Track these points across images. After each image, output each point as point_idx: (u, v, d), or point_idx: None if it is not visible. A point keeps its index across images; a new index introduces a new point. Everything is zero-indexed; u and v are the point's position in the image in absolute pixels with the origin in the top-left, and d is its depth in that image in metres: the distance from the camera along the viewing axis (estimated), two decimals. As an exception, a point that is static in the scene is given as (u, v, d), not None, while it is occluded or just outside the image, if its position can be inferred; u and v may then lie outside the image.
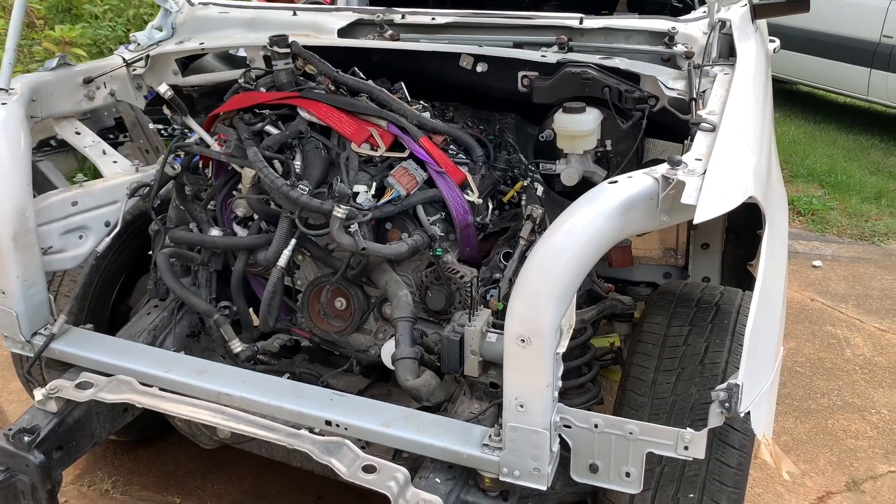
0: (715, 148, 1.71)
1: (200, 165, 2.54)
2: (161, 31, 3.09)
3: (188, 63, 3.09)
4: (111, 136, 3.49)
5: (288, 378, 2.50)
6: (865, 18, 7.62)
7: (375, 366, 2.48)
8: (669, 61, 2.57)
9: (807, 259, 5.11)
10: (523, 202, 2.47)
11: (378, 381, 2.54)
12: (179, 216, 2.60)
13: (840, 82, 8.13)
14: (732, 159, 1.71)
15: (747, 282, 2.72)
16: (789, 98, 9.35)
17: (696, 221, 1.53)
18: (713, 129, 1.85)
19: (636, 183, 1.69)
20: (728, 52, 2.55)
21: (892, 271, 5.03)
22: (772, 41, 3.47)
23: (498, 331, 2.05)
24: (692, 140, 1.89)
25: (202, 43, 2.83)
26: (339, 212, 2.07)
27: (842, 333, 4.21)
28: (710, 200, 1.54)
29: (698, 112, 1.98)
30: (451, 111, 2.85)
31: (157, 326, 2.48)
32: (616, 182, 1.71)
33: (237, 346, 2.36)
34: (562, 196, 2.62)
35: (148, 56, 2.87)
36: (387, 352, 2.31)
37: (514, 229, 2.68)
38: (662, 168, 1.69)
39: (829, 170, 6.77)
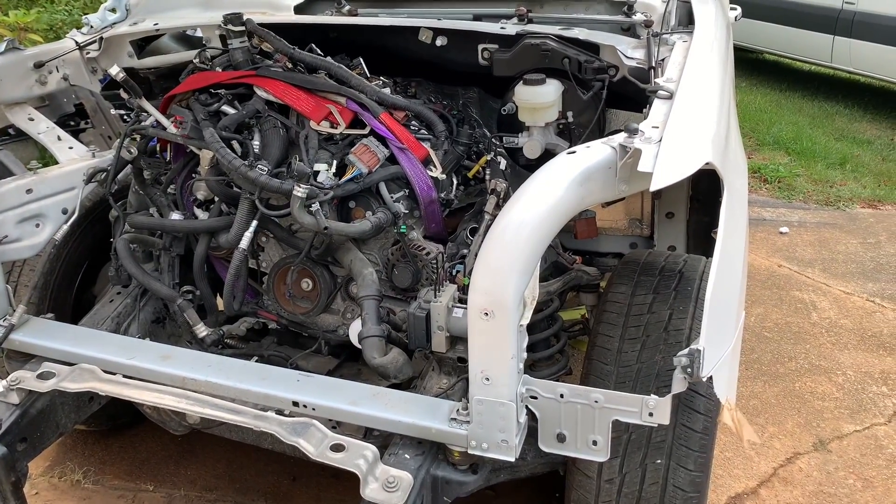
0: (671, 115, 1.71)
1: (158, 149, 2.49)
2: (115, 12, 3.03)
3: (144, 45, 3.03)
4: (72, 123, 3.43)
5: (256, 361, 2.51)
6: (828, -14, 7.68)
7: (345, 346, 2.47)
8: (629, 31, 2.57)
9: (774, 226, 5.17)
10: (488, 177, 2.46)
11: (347, 361, 2.53)
12: (139, 201, 2.56)
13: (804, 50, 8.20)
14: (689, 126, 1.72)
15: (713, 249, 2.76)
16: (755, 67, 9.42)
17: (651, 189, 1.53)
18: (670, 96, 1.85)
19: (594, 152, 1.69)
20: (687, 20, 2.55)
21: (857, 235, 5.10)
22: (733, 9, 3.48)
23: (464, 306, 2.04)
24: (650, 108, 1.89)
25: (156, 24, 2.77)
26: (300, 191, 2.04)
27: (808, 298, 4.28)
28: (667, 167, 1.55)
29: (655, 80, 1.98)
30: (413, 87, 2.82)
31: (120, 314, 2.44)
32: (574, 152, 1.70)
33: (202, 330, 2.33)
34: (525, 169, 2.61)
35: (101, 38, 2.81)
36: (354, 331, 2.30)
37: (479, 204, 2.67)
38: (620, 137, 1.69)
39: (795, 137, 6.83)
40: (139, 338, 2.42)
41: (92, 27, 2.96)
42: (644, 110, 2.02)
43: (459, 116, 2.74)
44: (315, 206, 2.09)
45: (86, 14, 5.63)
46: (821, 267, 4.65)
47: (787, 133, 6.94)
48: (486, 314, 1.67)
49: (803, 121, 7.44)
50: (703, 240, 2.85)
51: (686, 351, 1.58)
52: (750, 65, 9.24)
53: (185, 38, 3.13)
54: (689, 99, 1.81)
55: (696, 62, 2.02)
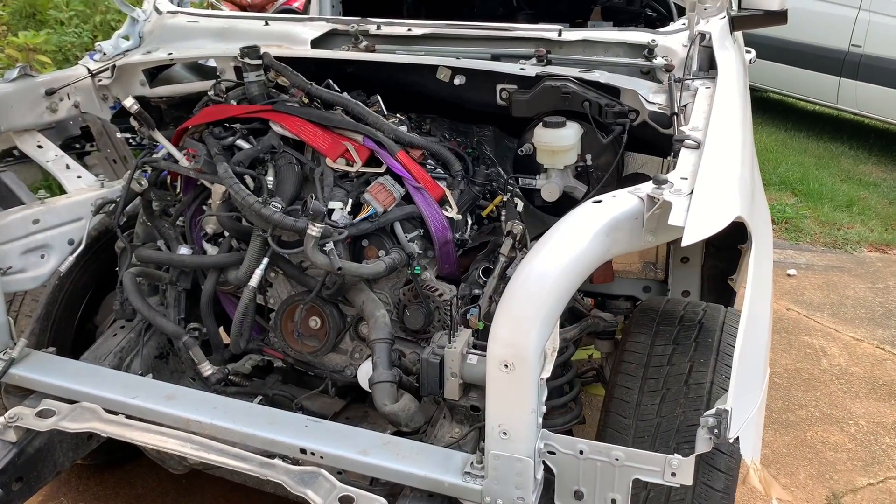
0: (701, 166, 1.66)
1: (169, 181, 2.45)
2: (128, 39, 3.00)
3: (156, 73, 3.00)
4: (77, 146, 3.38)
5: (260, 400, 2.44)
6: (834, 28, 7.71)
7: (351, 387, 2.41)
8: (649, 74, 2.54)
9: (781, 268, 5.13)
10: (503, 217, 2.42)
11: (354, 403, 2.47)
12: (147, 233, 2.51)
13: (810, 90, 8.22)
14: (719, 178, 1.67)
15: (727, 296, 2.71)
16: (760, 105, 9.43)
17: (684, 244, 1.48)
18: (698, 145, 1.81)
19: (621, 202, 1.64)
20: (708, 65, 2.52)
21: (865, 280, 5.06)
22: (748, 51, 3.47)
23: (479, 352, 1.99)
24: (676, 157, 1.85)
25: (170, 53, 2.74)
26: (314, 230, 2.00)
27: (818, 343, 4.22)
28: (699, 222, 1.50)
29: (681, 128, 1.95)
30: (428, 124, 2.79)
31: (123, 349, 2.38)
32: (600, 201, 1.66)
33: (207, 369, 2.27)
34: (541, 211, 2.57)
35: (114, 66, 2.78)
36: (363, 374, 2.24)
37: (493, 244, 2.63)
38: (647, 187, 1.65)
39: (802, 178, 6.82)
40: (142, 374, 2.36)
41: (104, 54, 2.93)
42: (669, 158, 1.98)
43: (474, 155, 2.70)
44: (329, 246, 2.04)
45: (96, 37, 5.64)
46: (829, 311, 4.60)
47: (793, 174, 6.92)
48: (506, 366, 1.61)
49: (809, 161, 7.43)
50: (717, 285, 2.79)
51: (713, 411, 1.53)
52: (754, 103, 9.23)
53: (198, 68, 3.10)
54: (716, 149, 1.78)
55: (722, 110, 1.99)
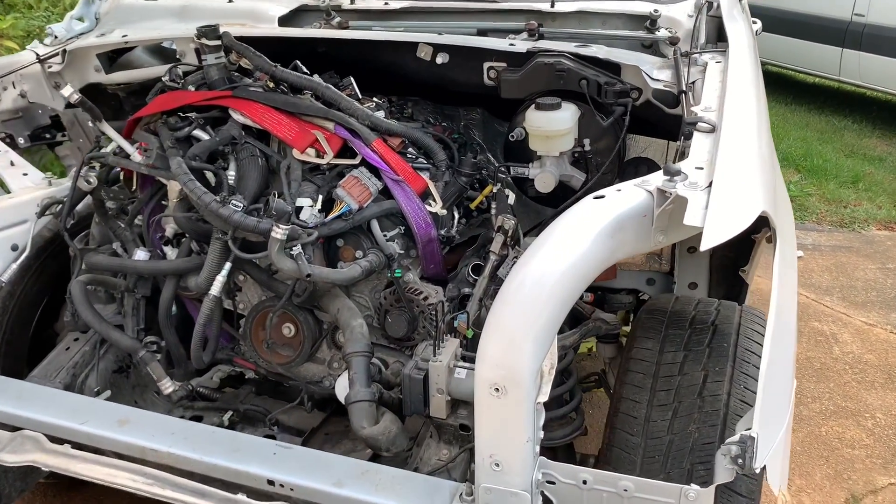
0: (718, 154, 1.43)
1: (122, 177, 2.21)
2: (83, 21, 2.76)
3: (116, 57, 2.75)
4: (48, 136, 3.13)
5: (231, 416, 2.24)
6: (837, -4, 7.45)
7: (332, 397, 2.19)
8: (651, 48, 2.31)
9: (787, 249, 4.90)
10: (493, 209, 2.19)
11: (335, 416, 2.25)
12: (103, 235, 2.28)
13: (811, 62, 7.95)
14: (739, 167, 1.45)
15: (738, 288, 2.49)
16: (759, 79, 9.17)
17: (702, 248, 1.26)
18: (713, 129, 1.58)
19: (627, 198, 1.42)
20: (716, 37, 2.29)
21: (875, 260, 4.85)
22: (754, 22, 3.23)
23: (468, 364, 1.78)
24: (685, 140, 1.63)
25: (125, 35, 2.49)
26: (279, 232, 1.77)
27: (829, 329, 4.01)
28: (719, 222, 1.28)
29: (691, 108, 1.71)
30: (410, 107, 2.56)
31: (77, 363, 2.16)
32: (602, 197, 1.44)
33: (168, 386, 2.05)
34: (535, 202, 2.34)
35: (64, 51, 2.53)
36: (341, 387, 2.02)
37: (483, 238, 2.41)
38: (657, 179, 1.43)
39: (805, 154, 6.58)
40: (97, 391, 2.14)
41: (56, 38, 2.68)
42: (679, 142, 1.75)
43: (461, 140, 2.47)
44: (297, 250, 1.81)
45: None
46: (839, 295, 4.38)
47: (795, 149, 6.69)
48: (497, 390, 1.40)
49: (811, 136, 7.19)
50: (727, 277, 2.58)
51: (737, 438, 1.32)
52: (754, 77, 8.99)
53: (161, 51, 2.86)
54: (734, 133, 1.55)
55: (736, 88, 1.76)
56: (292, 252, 1.81)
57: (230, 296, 2.20)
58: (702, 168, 1.43)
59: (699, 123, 1.59)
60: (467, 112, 2.58)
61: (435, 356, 1.77)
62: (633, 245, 1.45)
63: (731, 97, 1.68)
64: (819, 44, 7.70)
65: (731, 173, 1.39)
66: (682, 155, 1.68)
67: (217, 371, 2.28)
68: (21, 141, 2.69)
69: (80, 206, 2.20)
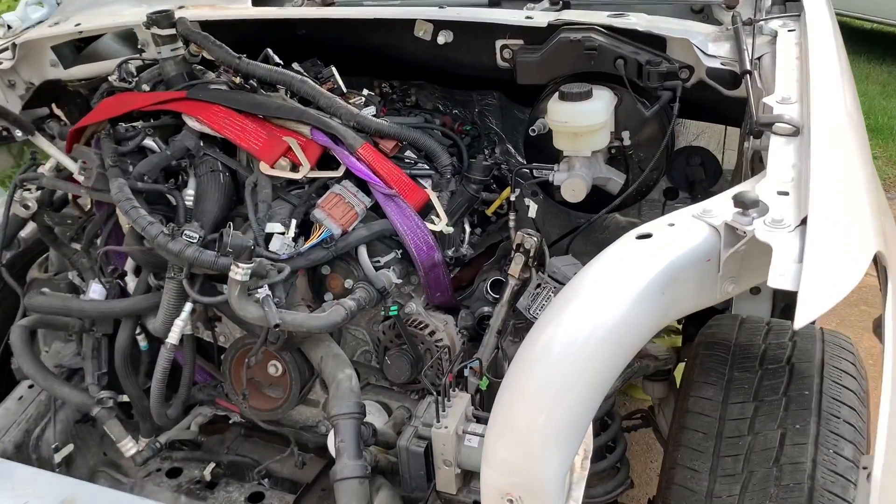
0: (811, 173, 1.02)
1: (71, 197, 1.87)
2: (42, 7, 2.41)
3: (83, 47, 2.41)
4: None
5: (214, 468, 1.92)
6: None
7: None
8: (702, 13, 1.88)
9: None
10: (511, 221, 1.81)
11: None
12: (62, 262, 1.96)
13: (869, 7, 7.28)
14: (840, 195, 1.04)
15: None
16: (812, 29, 8.50)
17: (797, 325, 0.86)
18: (796, 132, 1.16)
19: (683, 237, 1.03)
20: (783, -2, 1.85)
21: (954, 232, 4.33)
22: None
23: (481, 429, 1.43)
24: (754, 139, 1.22)
25: (79, 24, 2.13)
26: (238, 272, 1.41)
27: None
28: (821, 285, 0.88)
29: (763, 99, 1.30)
30: (414, 93, 2.17)
31: (31, 416, 1.86)
32: (648, 236, 1.04)
33: (130, 447, 1.73)
34: (564, 206, 1.93)
35: (14, 45, 2.19)
36: (333, 443, 1.68)
37: (504, 249, 2.04)
38: (724, 208, 1.03)
39: (867, 110, 5.99)
40: (56, 447, 1.83)
41: (10, 28, 2.34)
42: (746, 143, 1.34)
43: (473, 133, 2.08)
44: (263, 291, 1.45)
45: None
46: (915, 274, 3.89)
47: (856, 106, 6.11)
48: (511, 501, 1.04)
49: (873, 90, 6.59)
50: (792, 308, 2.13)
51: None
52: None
53: (133, 39, 2.50)
54: (826, 140, 1.13)
55: (821, 71, 1.33)
56: (258, 294, 1.46)
57: (209, 326, 1.87)
58: (786, 193, 1.02)
59: (777, 124, 1.17)
60: (482, 97, 2.18)
61: (439, 420, 1.41)
62: (692, 300, 1.06)
63: (818, 84, 1.26)
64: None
65: (831, 204, 0.98)
66: (751, 165, 1.28)
67: (197, 415, 1.95)
68: None
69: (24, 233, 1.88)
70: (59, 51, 2.26)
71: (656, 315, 1.02)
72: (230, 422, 2.01)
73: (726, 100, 1.67)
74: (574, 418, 1.02)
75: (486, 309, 1.89)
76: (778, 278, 0.88)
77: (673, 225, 1.05)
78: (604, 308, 1.00)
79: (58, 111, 2.44)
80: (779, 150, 1.12)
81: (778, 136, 1.16)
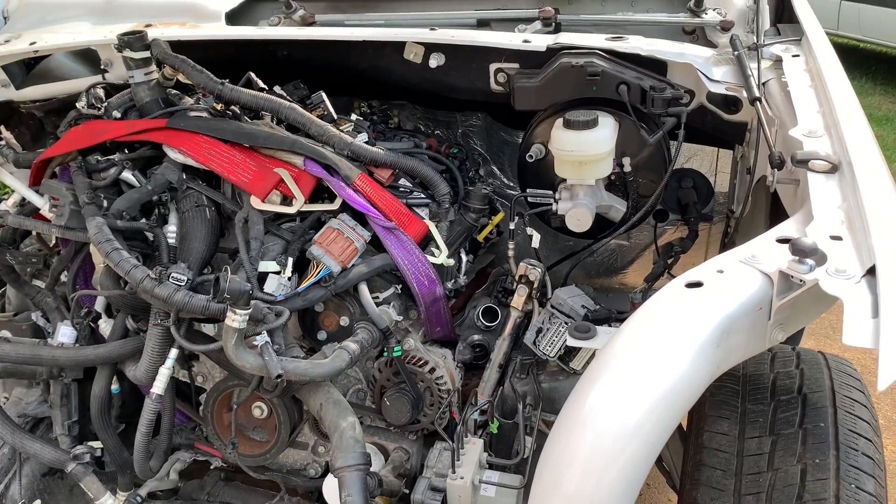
0: (868, 218, 0.98)
1: (35, 233, 1.73)
2: (-12, 22, 2.24)
3: (33, 65, 2.24)
4: None
5: (195, 517, 1.81)
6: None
7: (317, 488, 1.77)
8: (693, 34, 1.85)
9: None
10: (510, 248, 1.74)
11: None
12: (21, 301, 1.81)
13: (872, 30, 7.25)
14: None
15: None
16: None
17: (880, 387, 0.82)
18: (834, 169, 1.13)
19: (736, 286, 0.98)
20: (775, 18, 1.84)
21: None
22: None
23: (497, 478, 1.36)
24: (777, 171, 1.19)
25: (34, 42, 1.98)
26: (235, 319, 1.31)
27: None
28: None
29: (790, 132, 1.26)
30: (397, 114, 2.09)
31: (-6, 470, 1.70)
32: (699, 285, 0.99)
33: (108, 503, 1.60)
34: (560, 231, 1.88)
35: (-40, 64, 2.02)
36: (330, 490, 1.58)
37: (496, 274, 1.98)
38: (777, 255, 0.99)
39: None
40: (23, 505, 1.69)
41: (-48, 46, 2.16)
42: (770, 175, 1.31)
43: (461, 156, 2.01)
44: (262, 338, 1.35)
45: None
46: None
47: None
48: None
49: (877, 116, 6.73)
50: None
51: None
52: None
53: (88, 56, 2.34)
54: (868, 177, 1.09)
55: (843, 103, 1.30)
56: (256, 341, 1.36)
57: (185, 366, 1.75)
58: (839, 238, 0.98)
59: (812, 161, 1.13)
60: (466, 118, 2.12)
61: (454, 471, 1.34)
62: (743, 350, 1.01)
63: (845, 118, 1.23)
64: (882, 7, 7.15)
65: (890, 243, 0.95)
66: (780, 203, 1.24)
67: (175, 461, 1.83)
68: None
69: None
70: (8, 70, 2.11)
71: (711, 369, 0.97)
72: (211, 467, 1.89)
73: (724, 124, 1.64)
74: (625, 485, 0.96)
75: (476, 337, 1.83)
76: (854, 336, 0.84)
77: (722, 272, 1.00)
78: (659, 366, 0.94)
79: (6, 134, 2.28)
80: (820, 189, 1.08)
81: (814, 172, 1.13)
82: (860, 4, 6.94)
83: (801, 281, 0.94)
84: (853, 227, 0.99)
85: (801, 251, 0.94)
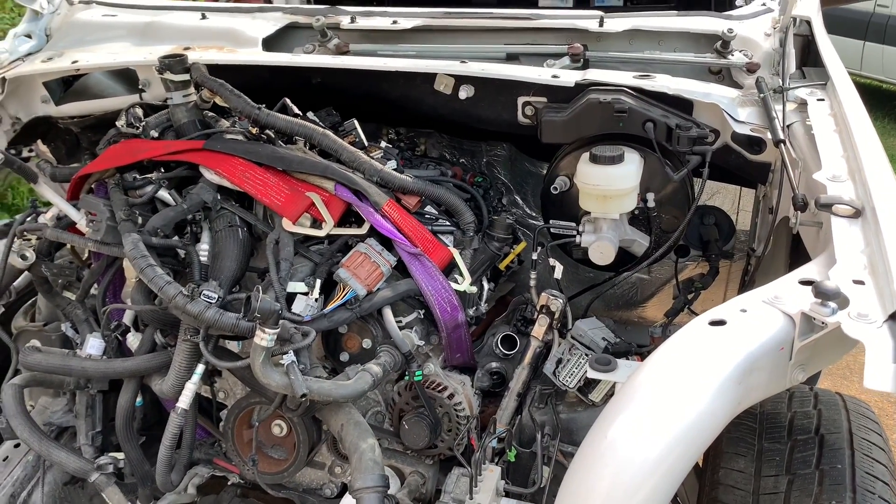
0: (890, 260, 1.01)
1: (71, 247, 1.77)
2: (31, 38, 2.30)
3: (72, 82, 2.31)
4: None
5: (212, 532, 1.83)
6: (859, -13, 7.01)
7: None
8: (720, 74, 1.88)
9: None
10: (532, 278, 1.76)
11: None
12: (51, 311, 1.86)
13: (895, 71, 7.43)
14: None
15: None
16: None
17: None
18: (857, 214, 1.15)
19: (758, 326, 1.00)
20: (800, 61, 1.87)
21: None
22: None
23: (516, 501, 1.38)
24: (799, 213, 1.21)
25: (76, 61, 2.04)
26: (264, 338, 1.34)
27: None
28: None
29: (814, 176, 1.28)
30: (423, 143, 2.14)
31: (19, 479, 1.74)
32: (722, 323, 1.01)
33: (131, 517, 1.63)
34: (582, 264, 1.90)
35: (3, 79, 2.08)
36: (348, 510, 1.60)
37: (516, 303, 2.00)
38: (800, 297, 1.01)
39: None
40: (44, 513, 1.71)
41: (-2, 61, 2.23)
42: (792, 218, 1.33)
43: (485, 185, 2.05)
44: (288, 357, 1.38)
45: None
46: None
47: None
48: None
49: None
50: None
51: None
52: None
53: (126, 75, 2.41)
54: (889, 219, 1.12)
55: (867, 149, 1.32)
56: (282, 360, 1.39)
57: (208, 381, 1.78)
58: (862, 282, 1.00)
59: (836, 206, 1.16)
60: (491, 148, 2.16)
61: (472, 497, 1.35)
62: (764, 388, 1.03)
63: (869, 163, 1.25)
64: (840, 36, 7.26)
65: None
66: (801, 244, 1.26)
67: (194, 476, 1.85)
68: None
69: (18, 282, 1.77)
70: (48, 86, 2.17)
71: (732, 407, 0.99)
72: (229, 483, 1.91)
73: (748, 164, 1.67)
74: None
75: (494, 364, 1.85)
76: (875, 379, 0.86)
77: (745, 311, 1.02)
78: (681, 401, 0.96)
79: (43, 147, 2.34)
80: (843, 234, 1.11)
81: (837, 216, 1.15)
82: (884, 46, 6.97)
83: (823, 323, 0.96)
84: (875, 272, 1.01)
85: (823, 294, 0.96)
